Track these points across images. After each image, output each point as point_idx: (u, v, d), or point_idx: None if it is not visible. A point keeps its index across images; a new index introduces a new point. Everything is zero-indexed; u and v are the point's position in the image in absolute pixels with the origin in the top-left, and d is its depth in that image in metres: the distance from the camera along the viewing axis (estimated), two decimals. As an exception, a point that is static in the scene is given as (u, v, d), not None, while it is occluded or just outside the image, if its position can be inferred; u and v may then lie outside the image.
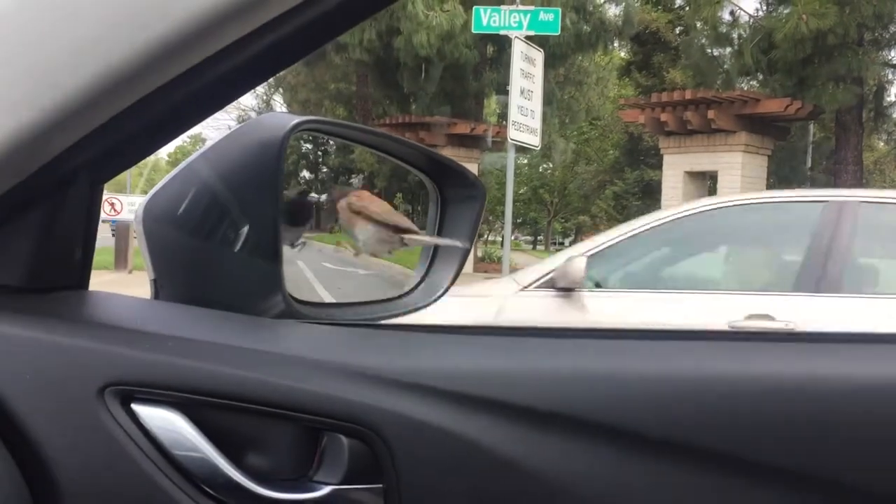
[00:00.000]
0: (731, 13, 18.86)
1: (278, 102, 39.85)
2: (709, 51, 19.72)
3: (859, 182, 18.66)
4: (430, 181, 1.23)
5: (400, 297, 1.18)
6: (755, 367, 0.83)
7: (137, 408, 0.77)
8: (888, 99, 19.86)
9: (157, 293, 0.94)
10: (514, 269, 19.83)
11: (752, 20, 19.05)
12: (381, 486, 0.78)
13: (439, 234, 1.23)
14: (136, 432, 0.76)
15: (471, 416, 0.79)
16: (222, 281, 0.95)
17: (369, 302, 1.18)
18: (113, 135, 0.83)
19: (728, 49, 19.09)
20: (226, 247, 0.93)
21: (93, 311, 0.89)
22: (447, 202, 1.23)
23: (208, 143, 0.99)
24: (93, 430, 0.76)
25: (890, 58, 19.12)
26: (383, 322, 1.12)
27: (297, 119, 0.98)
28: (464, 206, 1.23)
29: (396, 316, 1.15)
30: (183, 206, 0.93)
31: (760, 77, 19.51)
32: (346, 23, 0.86)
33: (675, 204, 17.05)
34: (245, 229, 0.93)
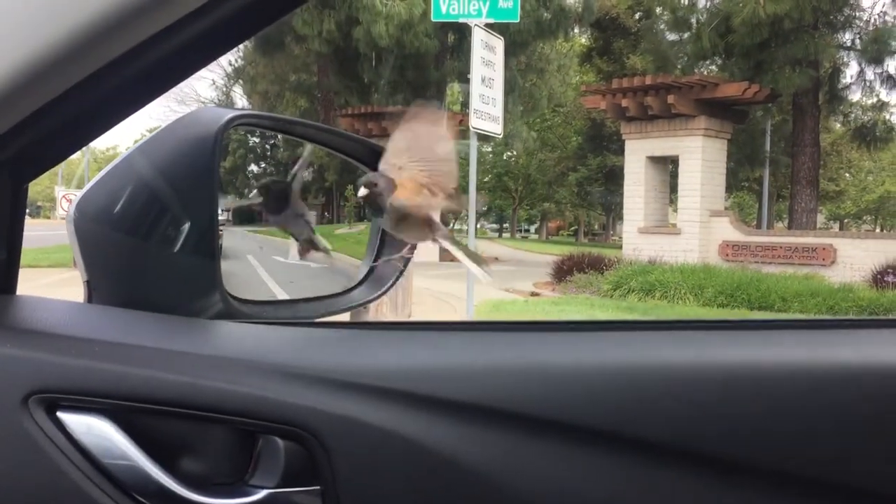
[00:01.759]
0: (689, -4, 19.04)
1: (238, 94, 39.43)
2: (668, 35, 19.88)
3: (817, 163, 18.96)
4: (375, 174, 1.21)
5: (343, 293, 1.16)
6: (692, 355, 0.83)
7: (64, 416, 0.75)
8: (843, 81, 20.16)
9: (91, 295, 0.92)
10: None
11: (709, 4, 19.22)
12: (318, 487, 0.77)
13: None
14: (62, 441, 0.74)
15: (409, 414, 0.78)
16: (158, 281, 0.92)
17: (311, 298, 1.16)
18: (35, 131, 0.80)
19: (686, 34, 19.24)
20: (162, 246, 0.91)
21: (18, 317, 0.86)
22: None
23: (143, 139, 0.96)
24: (17, 440, 0.73)
25: (844, 41, 19.40)
26: (323, 319, 1.11)
27: (231, 113, 0.96)
28: None
29: (339, 312, 1.13)
30: (119, 205, 0.90)
31: (719, 61, 19.70)
32: (278, 12, 0.83)
33: (639, 189, 17.27)
34: (182, 227, 0.91)
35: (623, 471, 0.78)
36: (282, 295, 1.36)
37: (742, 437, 0.78)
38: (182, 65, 0.82)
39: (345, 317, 1.22)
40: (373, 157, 1.19)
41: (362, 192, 1.04)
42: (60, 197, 16.82)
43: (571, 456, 0.78)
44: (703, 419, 0.79)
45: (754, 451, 0.78)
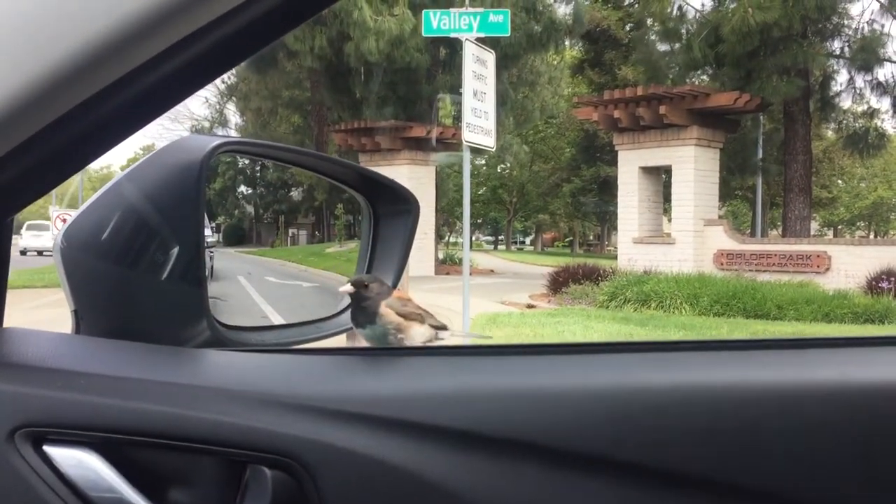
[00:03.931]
0: (679, 8, 19.12)
1: (231, 111, 39.43)
2: (659, 46, 19.97)
3: (809, 170, 19.02)
4: (363, 197, 1.21)
5: (332, 316, 1.16)
6: (677, 377, 0.83)
7: (50, 450, 0.74)
8: (834, 89, 20.23)
9: (78, 325, 0.92)
10: (475, 271, 19.78)
11: (698, 15, 19.33)
12: None
13: (373, 248, 1.21)
14: (49, 476, 0.73)
15: (397, 440, 0.78)
16: (146, 310, 0.92)
17: (299, 323, 1.16)
18: (21, 163, 0.79)
19: (677, 44, 19.34)
20: (149, 274, 0.91)
21: (5, 350, 0.85)
22: (380, 217, 1.22)
23: (130, 167, 0.96)
24: (4, 475, 0.73)
25: (834, 49, 19.49)
26: (310, 346, 1.11)
27: (217, 141, 0.96)
28: (397, 220, 1.21)
29: (327, 337, 1.13)
30: (106, 233, 0.90)
31: (710, 71, 19.79)
32: (264, 40, 0.83)
33: (632, 199, 17.31)
34: (169, 256, 0.91)
35: (611, 494, 0.78)
36: (273, 314, 1.35)
37: (729, 458, 0.78)
38: (175, 90, 0.82)
39: (341, 339, 1.22)
40: (358, 180, 1.19)
41: (347, 288, 0.99)
42: (55, 217, 16.74)
43: (560, 480, 0.78)
44: (689, 441, 0.79)
45: (741, 472, 0.78)
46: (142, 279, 0.91)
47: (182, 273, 0.91)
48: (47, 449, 0.74)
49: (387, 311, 0.96)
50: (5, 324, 0.92)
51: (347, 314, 1.15)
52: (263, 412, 0.77)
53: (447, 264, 23.22)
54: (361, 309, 0.98)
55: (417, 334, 0.97)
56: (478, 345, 0.93)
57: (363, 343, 1.00)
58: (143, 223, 0.91)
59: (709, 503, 0.79)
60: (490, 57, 9.67)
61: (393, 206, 1.21)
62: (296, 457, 0.76)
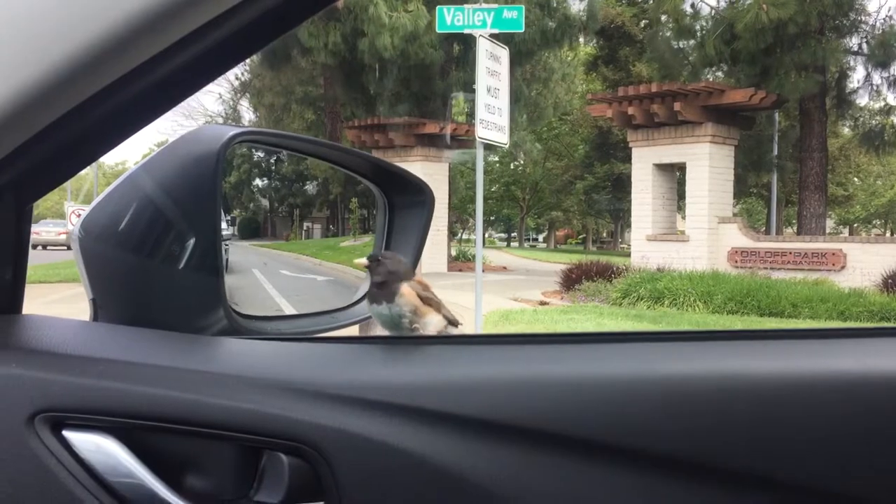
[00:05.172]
0: (692, 5, 19.01)
1: (245, 107, 39.53)
2: (673, 43, 19.85)
3: (825, 168, 18.90)
4: (378, 189, 1.22)
5: (347, 307, 1.17)
6: (691, 366, 0.83)
7: (69, 434, 0.75)
8: (850, 86, 20.07)
9: (97, 313, 0.92)
10: (487, 268, 19.72)
11: (713, 11, 19.22)
12: (322, 503, 0.77)
13: (388, 239, 1.22)
14: (68, 460, 0.74)
15: (413, 428, 0.78)
16: (163, 299, 0.93)
17: (315, 313, 1.16)
18: (40, 151, 0.80)
19: (692, 41, 19.23)
20: (167, 263, 0.92)
21: (23, 337, 0.86)
22: (395, 209, 1.22)
23: (147, 157, 0.97)
24: (23, 459, 0.74)
25: (851, 45, 19.33)
26: (327, 335, 1.11)
27: (233, 131, 0.97)
28: (412, 212, 1.22)
29: (342, 327, 1.13)
30: (124, 223, 0.91)
31: (725, 68, 19.68)
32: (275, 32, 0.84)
33: (646, 196, 17.25)
34: (186, 245, 0.92)
35: (626, 482, 0.78)
36: (288, 308, 1.36)
37: (741, 447, 0.78)
38: (188, 81, 0.82)
39: (353, 330, 1.23)
40: (373, 171, 1.20)
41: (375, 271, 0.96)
42: (70, 212, 16.82)
43: (573, 468, 0.78)
44: (704, 430, 0.79)
45: (753, 461, 0.78)
46: (159, 268, 0.91)
47: (199, 262, 0.92)
48: (66, 433, 0.75)
49: (409, 291, 0.95)
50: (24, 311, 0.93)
51: (362, 305, 1.15)
52: (280, 399, 0.78)
53: (460, 261, 23.21)
54: (381, 285, 0.95)
55: (431, 323, 0.96)
56: (492, 334, 0.93)
57: (378, 333, 1.00)
58: (160, 213, 0.91)
59: (724, 492, 0.79)
60: (504, 53, 9.64)
61: (407, 196, 1.21)
62: (312, 443, 0.76)
